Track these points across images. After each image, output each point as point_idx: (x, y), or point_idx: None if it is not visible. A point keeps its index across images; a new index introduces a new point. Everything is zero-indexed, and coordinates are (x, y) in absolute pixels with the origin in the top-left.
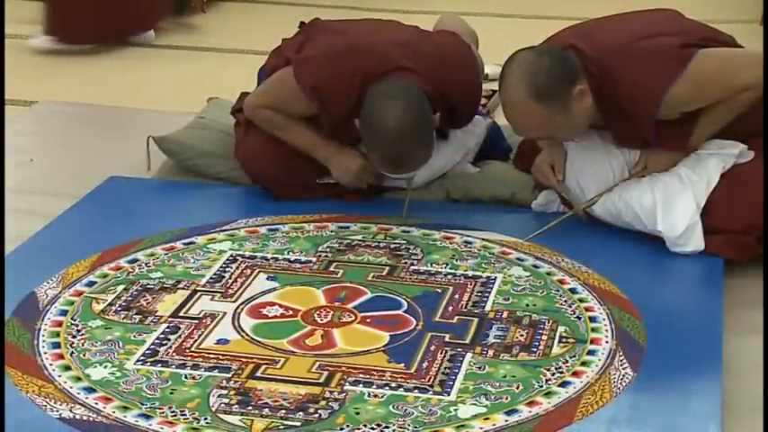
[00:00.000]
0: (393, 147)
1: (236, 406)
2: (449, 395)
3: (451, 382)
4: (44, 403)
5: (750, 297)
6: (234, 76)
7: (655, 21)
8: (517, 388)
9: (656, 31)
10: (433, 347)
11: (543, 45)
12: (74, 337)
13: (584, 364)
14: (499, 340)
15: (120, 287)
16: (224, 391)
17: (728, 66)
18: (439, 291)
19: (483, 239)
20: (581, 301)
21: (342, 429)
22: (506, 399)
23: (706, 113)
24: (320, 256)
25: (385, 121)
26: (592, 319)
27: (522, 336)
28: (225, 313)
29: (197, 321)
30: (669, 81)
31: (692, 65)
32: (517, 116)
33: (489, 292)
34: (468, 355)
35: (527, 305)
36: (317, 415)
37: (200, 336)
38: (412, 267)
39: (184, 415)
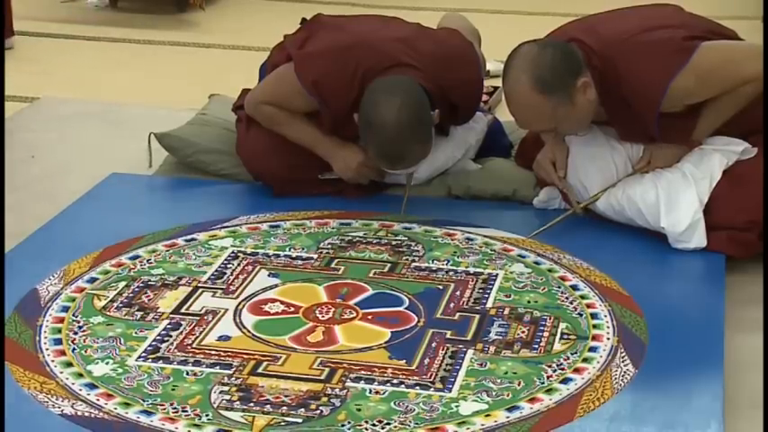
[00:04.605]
0: (390, 142)
1: (237, 402)
2: (450, 392)
3: (453, 379)
4: (46, 400)
5: (751, 294)
6: (235, 73)
7: (657, 14)
8: (518, 384)
9: (659, 24)
10: (434, 344)
11: (547, 38)
12: (75, 333)
13: (585, 360)
14: (500, 337)
15: (122, 284)
16: (225, 388)
17: (732, 58)
18: (440, 287)
19: (484, 236)
20: (582, 297)
21: (343, 426)
22: (507, 395)
23: (708, 107)
24: (321, 252)
25: (382, 116)
26: (593, 316)
27: (523, 332)
28: (226, 310)
29: (198, 318)
30: (672, 73)
31: (696, 57)
32: (520, 109)
33: (491, 289)
34: (470, 352)
35: (528, 302)
36: (318, 411)
37: (201, 332)
38: (413, 264)
39: (186, 411)
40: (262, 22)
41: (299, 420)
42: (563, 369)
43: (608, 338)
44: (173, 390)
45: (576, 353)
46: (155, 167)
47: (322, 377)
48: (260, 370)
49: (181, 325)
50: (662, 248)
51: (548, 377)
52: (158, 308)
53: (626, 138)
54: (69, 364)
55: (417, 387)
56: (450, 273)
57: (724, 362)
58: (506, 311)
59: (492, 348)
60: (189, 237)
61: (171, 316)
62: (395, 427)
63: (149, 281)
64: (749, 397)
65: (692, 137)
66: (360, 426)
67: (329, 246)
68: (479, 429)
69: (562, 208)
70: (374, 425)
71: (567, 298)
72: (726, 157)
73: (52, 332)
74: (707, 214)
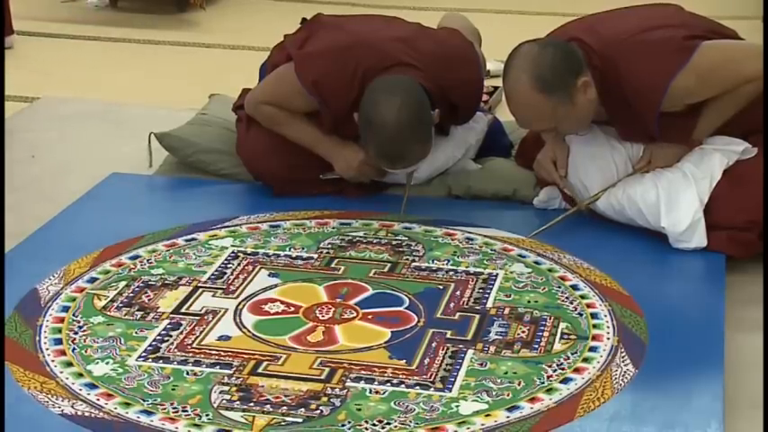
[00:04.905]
0: (390, 142)
1: (237, 402)
2: (450, 391)
3: (453, 379)
4: (46, 399)
5: (751, 294)
6: (235, 73)
7: (658, 14)
8: (519, 384)
9: (660, 24)
10: (434, 344)
11: (547, 38)
12: (75, 333)
13: (585, 360)
14: (501, 337)
15: (122, 283)
16: (225, 388)
17: (732, 57)
18: (440, 287)
19: (484, 236)
20: (582, 297)
21: (343, 426)
22: (508, 395)
23: (709, 107)
24: (322, 252)
25: (382, 116)
26: (593, 316)
27: (523, 332)
28: (226, 310)
29: (198, 318)
30: (673, 72)
31: (696, 56)
32: (521, 108)
33: (491, 289)
34: (470, 352)
35: (528, 302)
36: (318, 411)
37: (201, 332)
38: (413, 264)
39: (186, 411)
40: (262, 22)
41: (299, 420)
42: (563, 369)
43: (608, 338)
44: (173, 389)
45: (576, 353)
46: (155, 167)
47: (322, 377)
48: (260, 370)
49: (181, 325)
50: (662, 248)
51: (548, 377)
52: (158, 308)
53: (626, 137)
54: (69, 364)
55: (417, 387)
56: (451, 273)
57: (724, 362)
58: (506, 311)
59: (492, 348)
60: (189, 237)
61: (171, 316)
62: (395, 427)
63: (149, 281)
64: (749, 397)
65: (693, 136)
66: (360, 426)
67: (329, 245)
68: (479, 429)
69: (562, 208)
70: (374, 425)
71: (567, 298)
72: (726, 157)
73: (52, 332)
74: (707, 214)
